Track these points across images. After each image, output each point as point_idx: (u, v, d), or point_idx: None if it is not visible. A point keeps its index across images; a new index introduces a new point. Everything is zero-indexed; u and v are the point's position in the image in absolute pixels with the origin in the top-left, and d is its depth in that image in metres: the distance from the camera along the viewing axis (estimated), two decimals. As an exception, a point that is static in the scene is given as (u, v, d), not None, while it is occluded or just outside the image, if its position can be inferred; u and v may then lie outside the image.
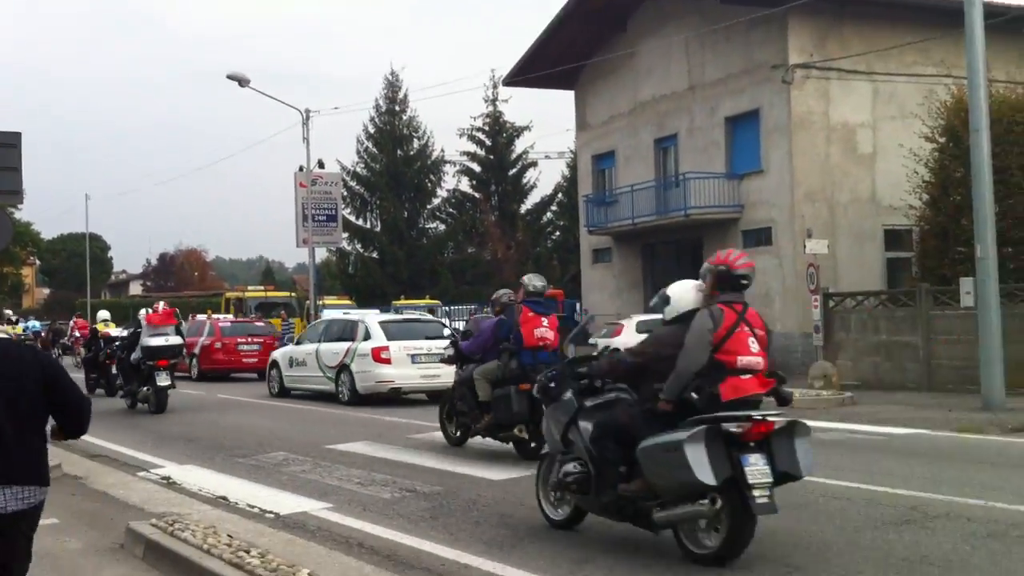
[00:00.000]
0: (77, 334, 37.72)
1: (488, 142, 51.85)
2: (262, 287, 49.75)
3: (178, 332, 19.47)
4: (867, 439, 12.59)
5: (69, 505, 9.49)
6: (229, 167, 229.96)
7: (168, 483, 10.55)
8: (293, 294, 46.97)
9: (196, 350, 28.31)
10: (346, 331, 20.22)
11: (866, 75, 25.52)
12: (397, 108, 51.60)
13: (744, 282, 6.95)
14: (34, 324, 47.13)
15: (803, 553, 6.67)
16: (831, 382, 18.86)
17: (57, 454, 12.52)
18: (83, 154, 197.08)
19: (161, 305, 19.79)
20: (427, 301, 39.79)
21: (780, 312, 25.36)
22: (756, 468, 6.42)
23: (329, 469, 10.95)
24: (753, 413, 6.52)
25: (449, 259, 51.66)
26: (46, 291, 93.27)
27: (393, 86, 51.66)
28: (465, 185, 53.03)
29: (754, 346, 6.71)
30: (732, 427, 6.41)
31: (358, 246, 50.68)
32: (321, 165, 38.58)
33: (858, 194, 25.63)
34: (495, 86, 50.23)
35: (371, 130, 51.27)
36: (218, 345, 28.43)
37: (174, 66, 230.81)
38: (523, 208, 52.73)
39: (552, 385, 7.93)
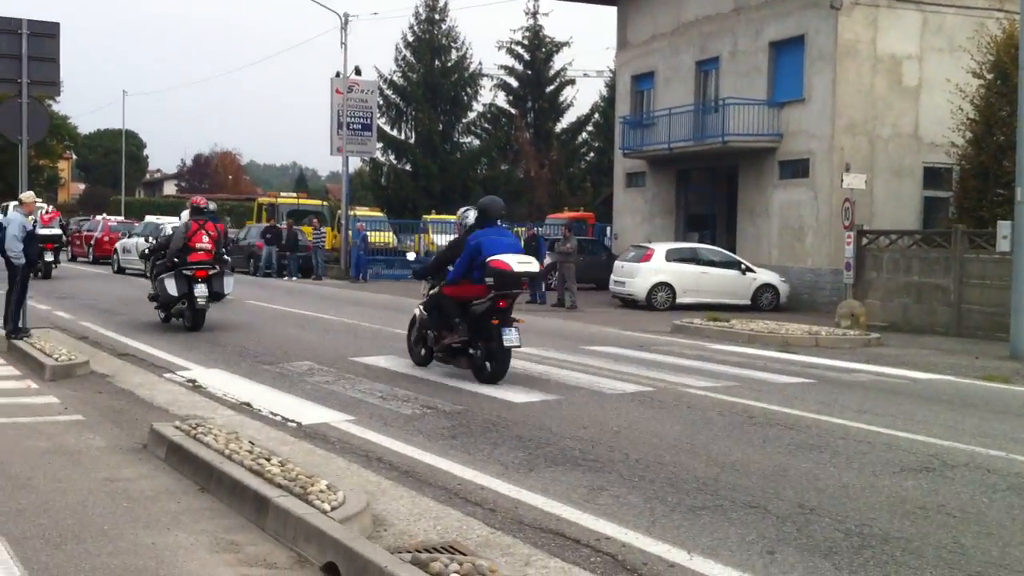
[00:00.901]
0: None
1: (527, 56, 51.12)
2: (295, 194, 49.72)
3: (60, 226, 29.50)
4: (891, 382, 12.51)
5: (95, 402, 9.64)
6: (266, 70, 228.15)
7: (194, 386, 10.68)
8: (325, 203, 46.89)
9: (92, 241, 38.96)
10: (155, 231, 28.41)
11: (915, 4, 24.83)
12: (437, 17, 50.82)
13: (204, 209, 15.94)
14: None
15: (819, 494, 6.67)
16: (859, 321, 18.71)
17: (86, 351, 12.73)
18: (121, 51, 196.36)
19: (50, 208, 30.37)
20: (458, 217, 39.40)
21: (811, 247, 25.08)
22: (200, 289, 15.05)
23: (352, 382, 11.04)
24: (204, 265, 15.17)
25: (482, 175, 51.28)
26: (81, 186, 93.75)
27: (433, -7, 50.87)
28: (501, 100, 52.45)
29: (205, 239, 15.39)
30: (188, 272, 15.05)
31: (391, 157, 50.40)
32: (358, 72, 38.15)
33: (900, 128, 25.07)
34: (536, -2, 49.42)
35: (410, 38, 50.59)
36: (107, 239, 37.57)
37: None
38: (558, 127, 52.15)
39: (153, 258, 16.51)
